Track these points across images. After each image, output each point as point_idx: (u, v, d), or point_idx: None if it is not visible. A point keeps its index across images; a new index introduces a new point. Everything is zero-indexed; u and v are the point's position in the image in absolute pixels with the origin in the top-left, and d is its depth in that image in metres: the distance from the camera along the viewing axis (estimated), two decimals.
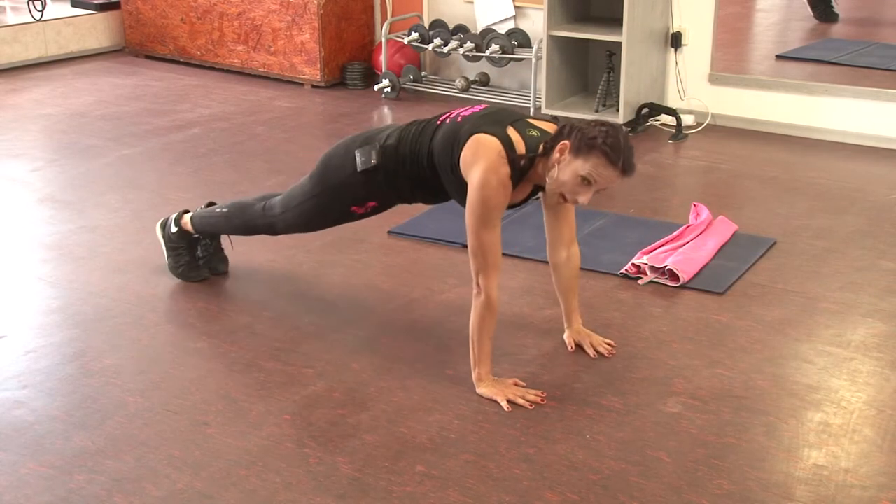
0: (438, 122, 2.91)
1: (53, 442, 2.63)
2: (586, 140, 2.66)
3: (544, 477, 2.49)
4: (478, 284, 2.77)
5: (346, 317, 3.34)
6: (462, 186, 2.80)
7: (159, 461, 2.54)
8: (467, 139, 2.76)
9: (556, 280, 3.09)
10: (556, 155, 2.70)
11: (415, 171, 2.95)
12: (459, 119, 2.86)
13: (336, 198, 3.13)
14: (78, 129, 5.50)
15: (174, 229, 3.54)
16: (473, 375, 2.86)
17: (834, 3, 8.18)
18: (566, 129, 2.73)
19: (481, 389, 2.84)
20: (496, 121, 2.80)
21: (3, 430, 2.68)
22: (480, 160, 2.71)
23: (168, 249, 3.57)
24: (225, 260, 3.65)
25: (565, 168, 2.69)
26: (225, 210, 3.44)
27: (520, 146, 2.75)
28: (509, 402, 2.78)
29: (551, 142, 2.74)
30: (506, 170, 2.71)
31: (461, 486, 2.45)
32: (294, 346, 3.14)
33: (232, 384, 2.92)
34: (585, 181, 2.69)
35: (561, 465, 2.54)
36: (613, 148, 2.65)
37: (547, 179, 2.75)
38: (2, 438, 2.64)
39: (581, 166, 2.67)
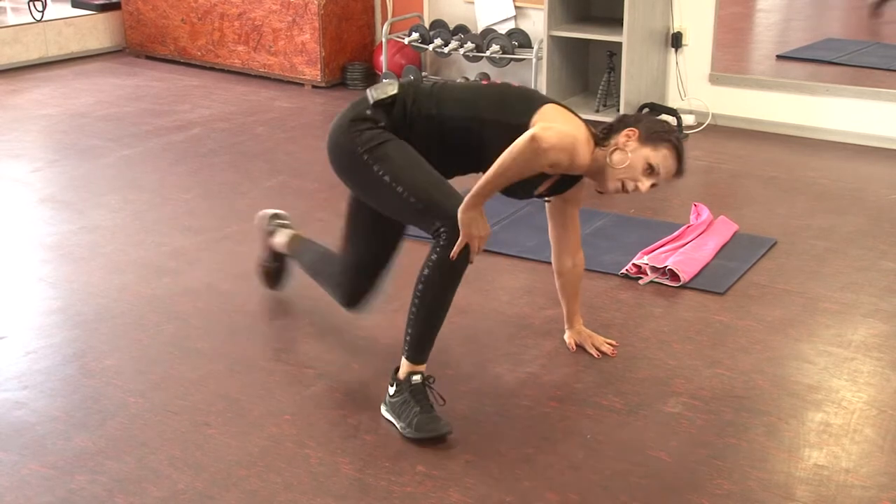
0: (483, 83, 2.85)
1: (54, 442, 2.63)
2: (657, 130, 2.71)
3: (545, 477, 2.49)
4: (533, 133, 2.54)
5: (346, 317, 3.34)
6: (509, 138, 2.59)
7: (160, 462, 2.54)
8: (545, 104, 2.68)
9: (560, 285, 3.09)
10: (621, 139, 2.69)
11: (444, 119, 2.71)
12: (515, 83, 2.84)
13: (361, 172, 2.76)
14: (78, 130, 5.50)
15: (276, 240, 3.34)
16: (467, 197, 2.57)
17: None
18: (629, 118, 2.76)
19: (467, 214, 2.55)
20: (566, 107, 2.78)
21: (4, 430, 2.68)
22: (572, 126, 2.66)
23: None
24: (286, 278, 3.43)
25: (633, 153, 2.68)
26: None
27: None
28: (473, 246, 2.57)
29: (609, 129, 2.73)
30: (588, 151, 2.67)
31: (462, 487, 2.45)
32: (294, 347, 3.14)
33: (232, 385, 2.92)
34: (651, 169, 2.70)
35: (562, 465, 2.54)
36: (680, 143, 2.73)
37: (608, 162, 2.69)
38: (3, 439, 2.64)
39: (651, 154, 2.69)
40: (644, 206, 4.34)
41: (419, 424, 2.61)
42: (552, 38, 5.42)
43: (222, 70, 6.83)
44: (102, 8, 7.29)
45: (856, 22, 8.35)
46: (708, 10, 5.45)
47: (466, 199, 2.57)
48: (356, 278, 3.02)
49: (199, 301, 3.45)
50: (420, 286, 2.64)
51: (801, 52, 7.15)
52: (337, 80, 6.47)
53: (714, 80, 5.56)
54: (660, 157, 2.69)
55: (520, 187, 2.71)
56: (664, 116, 5.47)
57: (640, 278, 3.60)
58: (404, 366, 2.70)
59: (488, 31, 5.97)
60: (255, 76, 6.68)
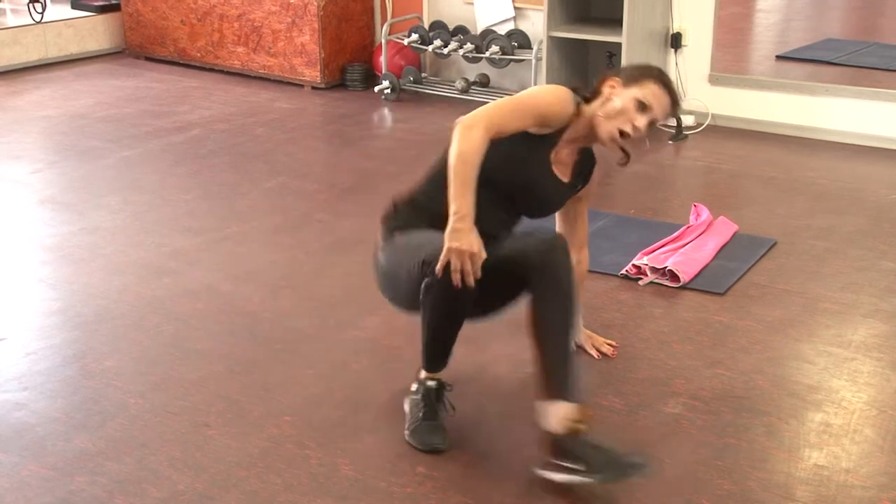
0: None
1: (54, 444, 2.63)
2: (637, 70, 2.73)
3: (546, 478, 2.48)
4: (463, 119, 2.52)
5: (346, 318, 3.34)
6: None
7: (160, 462, 2.54)
8: None
9: None
10: (606, 90, 2.70)
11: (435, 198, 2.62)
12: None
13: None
14: (78, 131, 5.50)
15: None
16: (454, 211, 2.45)
17: None
18: (608, 71, 2.78)
19: (464, 226, 2.40)
20: None
21: (4, 432, 2.68)
22: (550, 87, 2.74)
23: None
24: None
25: (620, 97, 2.68)
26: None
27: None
28: (453, 272, 2.38)
29: (593, 93, 2.74)
30: (568, 102, 2.68)
31: (462, 488, 2.45)
32: (294, 347, 3.14)
33: (232, 385, 2.92)
34: (642, 105, 2.68)
35: None
36: (664, 75, 2.74)
37: (600, 117, 2.69)
38: (2, 440, 2.64)
39: (637, 92, 2.68)
40: (644, 207, 4.34)
41: (415, 433, 2.61)
42: (552, 39, 5.43)
43: (222, 71, 6.83)
44: (102, 9, 7.29)
45: (855, 22, 8.35)
46: (707, 10, 5.45)
47: (452, 206, 2.47)
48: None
49: (199, 302, 3.45)
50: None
51: (800, 53, 7.16)
52: (336, 81, 6.47)
53: (714, 80, 5.56)
54: (647, 91, 2.69)
55: (552, 188, 2.76)
56: None
57: (640, 279, 3.60)
58: (420, 371, 2.71)
59: (488, 32, 5.97)
60: (255, 77, 6.68)
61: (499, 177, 2.64)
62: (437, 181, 2.62)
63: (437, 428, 2.61)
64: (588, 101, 2.75)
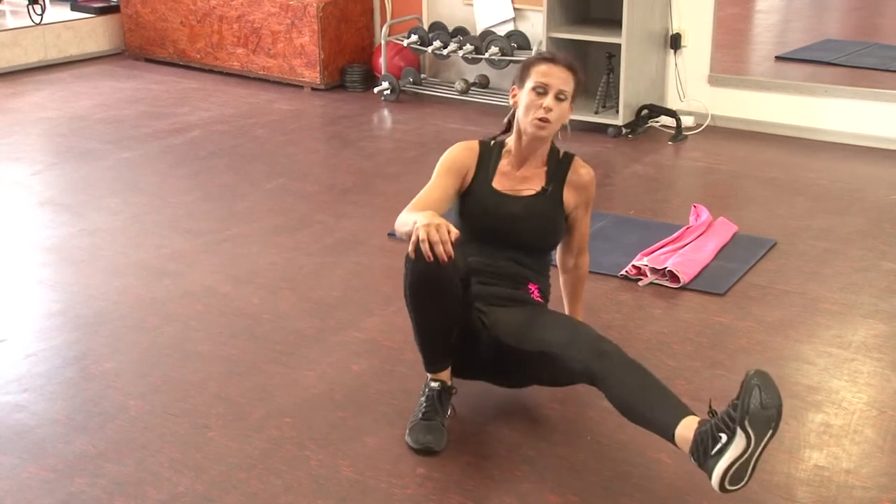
0: None
1: (54, 445, 2.63)
2: (522, 66, 2.83)
3: (545, 479, 2.49)
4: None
5: (346, 319, 3.34)
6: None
7: (160, 464, 2.54)
8: None
9: (563, 282, 3.09)
10: (511, 102, 2.84)
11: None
12: None
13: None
14: (78, 133, 5.50)
15: None
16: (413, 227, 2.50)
17: None
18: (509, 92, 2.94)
19: (422, 218, 2.47)
20: None
21: (4, 433, 2.68)
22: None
23: None
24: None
25: (521, 97, 2.78)
26: None
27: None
28: (423, 240, 2.42)
29: (508, 117, 2.92)
30: (471, 143, 2.86)
31: (462, 488, 2.45)
32: (294, 349, 3.14)
33: (232, 387, 2.92)
34: (539, 89, 2.74)
35: (562, 466, 2.54)
36: (545, 54, 2.84)
37: (519, 123, 2.80)
38: (3, 442, 2.64)
39: (529, 82, 2.77)
40: (644, 208, 4.35)
41: (412, 431, 2.61)
42: (551, 40, 5.42)
43: (221, 72, 6.83)
44: (101, 11, 7.29)
45: (855, 23, 8.35)
46: (707, 11, 5.45)
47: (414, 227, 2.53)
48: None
49: (199, 304, 3.45)
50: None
51: (799, 53, 7.16)
52: (336, 82, 6.47)
53: (713, 81, 5.56)
54: (535, 75, 2.76)
55: (519, 206, 2.82)
56: (662, 118, 5.49)
57: (640, 280, 3.60)
58: (426, 371, 2.72)
59: (487, 33, 5.97)
60: (255, 78, 6.68)
61: (474, 226, 2.81)
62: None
63: (433, 428, 2.61)
64: (510, 124, 2.90)
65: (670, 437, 2.36)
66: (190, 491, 2.44)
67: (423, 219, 2.46)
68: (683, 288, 3.54)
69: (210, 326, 3.29)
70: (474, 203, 2.83)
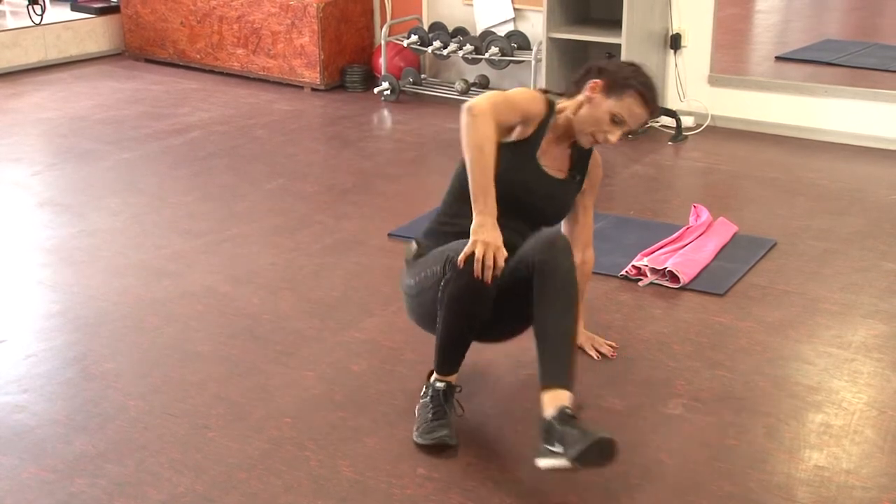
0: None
1: (54, 446, 2.63)
2: (620, 79, 2.69)
3: (546, 479, 2.48)
4: (466, 108, 2.56)
5: (346, 319, 3.34)
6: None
7: (160, 465, 2.54)
8: None
9: None
10: (586, 94, 2.71)
11: (455, 218, 2.72)
12: None
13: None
14: (78, 133, 5.50)
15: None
16: (476, 206, 2.51)
17: None
18: (592, 69, 2.75)
19: (486, 221, 2.47)
20: None
21: (4, 434, 2.68)
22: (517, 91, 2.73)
23: None
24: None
25: (598, 107, 2.70)
26: None
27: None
28: (476, 261, 2.42)
29: (577, 82, 2.75)
30: (541, 102, 2.72)
31: (462, 489, 2.45)
32: (294, 349, 3.14)
33: (233, 387, 2.92)
34: (617, 120, 2.70)
35: None
36: (647, 87, 2.70)
37: (574, 120, 2.73)
38: (3, 443, 2.64)
39: (614, 105, 2.69)
40: (643, 208, 4.34)
41: (424, 430, 2.60)
42: (551, 40, 5.43)
43: (221, 73, 6.83)
44: (101, 11, 7.29)
45: (855, 23, 8.35)
46: (707, 11, 5.45)
47: (474, 202, 2.52)
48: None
49: (199, 304, 3.45)
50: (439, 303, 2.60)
51: (799, 54, 7.16)
52: (336, 82, 6.47)
53: (713, 81, 5.56)
54: (624, 106, 2.69)
55: (549, 186, 2.77)
56: (662, 118, 5.49)
57: (640, 280, 3.60)
58: (435, 372, 2.69)
59: (487, 33, 5.97)
60: (254, 79, 6.68)
61: (497, 187, 2.60)
62: (458, 194, 2.70)
63: (446, 425, 2.60)
64: (567, 96, 2.78)
65: (539, 384, 2.45)
66: (190, 491, 2.44)
67: (482, 232, 2.44)
68: (683, 288, 3.54)
69: (210, 327, 3.29)
70: (516, 171, 2.70)
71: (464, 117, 2.55)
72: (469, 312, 2.55)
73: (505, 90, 2.77)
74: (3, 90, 6.42)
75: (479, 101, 2.58)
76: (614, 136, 2.71)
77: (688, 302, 3.46)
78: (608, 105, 2.69)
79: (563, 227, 3.01)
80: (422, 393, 2.71)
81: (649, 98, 2.71)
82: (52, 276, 3.69)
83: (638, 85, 2.69)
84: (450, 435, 2.59)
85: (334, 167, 5.05)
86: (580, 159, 2.86)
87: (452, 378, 2.67)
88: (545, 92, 2.82)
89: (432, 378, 2.69)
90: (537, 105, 2.73)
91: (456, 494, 2.43)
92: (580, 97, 2.74)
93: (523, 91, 2.77)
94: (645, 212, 4.30)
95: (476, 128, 2.53)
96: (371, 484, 2.47)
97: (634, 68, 2.76)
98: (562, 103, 2.79)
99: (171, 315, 3.37)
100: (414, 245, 2.78)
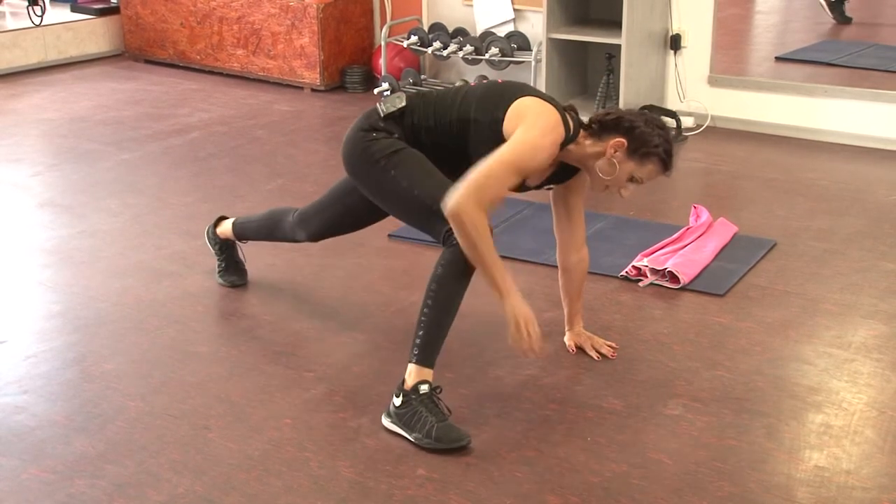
0: (472, 83, 2.87)
1: (54, 447, 2.63)
2: (645, 145, 2.70)
3: (545, 479, 2.49)
4: (450, 209, 2.56)
5: (346, 320, 3.34)
6: (493, 141, 2.68)
7: (160, 465, 2.54)
8: (518, 99, 2.71)
9: (564, 282, 3.09)
10: (609, 149, 2.71)
11: (440, 124, 2.79)
12: (500, 81, 2.87)
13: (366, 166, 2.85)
14: (78, 134, 5.50)
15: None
16: (495, 297, 2.64)
17: (845, 7, 8.23)
18: (622, 123, 2.73)
19: (512, 301, 2.61)
20: (539, 93, 2.80)
21: (4, 435, 2.68)
22: (541, 118, 2.67)
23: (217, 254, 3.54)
24: (244, 272, 3.59)
25: (619, 165, 2.72)
26: (263, 219, 3.39)
27: (568, 117, 2.76)
28: (521, 335, 2.60)
29: (601, 130, 2.74)
30: (561, 131, 2.69)
31: (462, 490, 2.45)
32: (294, 350, 3.14)
33: (233, 388, 2.92)
34: (635, 180, 2.75)
35: (562, 467, 2.54)
36: (669, 155, 2.74)
37: (591, 166, 2.76)
38: (2, 443, 2.64)
39: (636, 169, 2.73)
40: (643, 208, 4.34)
41: (440, 435, 2.59)
42: (551, 41, 5.43)
43: (221, 74, 6.83)
44: (101, 12, 7.29)
45: (854, 23, 8.35)
46: (707, 11, 5.45)
47: (496, 293, 2.64)
48: (305, 238, 3.27)
49: (199, 305, 3.45)
50: (433, 285, 2.65)
51: (799, 54, 7.16)
52: (336, 83, 6.47)
53: (713, 81, 5.56)
54: (644, 171, 2.74)
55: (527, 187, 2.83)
56: (663, 118, 5.48)
57: (640, 280, 3.60)
58: (412, 373, 2.67)
59: (487, 34, 5.97)
60: (254, 80, 6.68)
61: (469, 151, 2.76)
62: (439, 98, 2.83)
63: (455, 426, 2.62)
64: (594, 132, 2.75)
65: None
66: (190, 492, 2.44)
67: (518, 310, 2.61)
68: (683, 289, 3.54)
69: (210, 327, 3.29)
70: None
71: (452, 217, 2.56)
72: (460, 299, 2.71)
73: (542, 116, 2.68)
74: (3, 91, 6.42)
75: (461, 198, 2.54)
76: (627, 192, 2.79)
77: (688, 302, 3.46)
78: (629, 167, 2.73)
79: (556, 227, 3.02)
80: (399, 403, 2.65)
81: (670, 164, 2.75)
82: (52, 276, 3.69)
83: (662, 154, 2.72)
84: (465, 432, 2.61)
85: (334, 168, 5.05)
86: (562, 174, 2.88)
87: (432, 374, 2.68)
88: (568, 111, 2.76)
89: (413, 383, 2.65)
90: (550, 157, 2.69)
91: (456, 495, 2.43)
92: (601, 148, 2.73)
93: (542, 125, 2.66)
94: (645, 212, 4.30)
95: (463, 234, 2.56)
96: (371, 485, 2.47)
97: (662, 133, 2.74)
98: (581, 141, 2.76)
99: (172, 316, 3.37)
100: (401, 103, 2.83)
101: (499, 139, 2.68)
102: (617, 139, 2.71)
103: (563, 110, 2.74)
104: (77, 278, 3.67)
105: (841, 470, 2.53)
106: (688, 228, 3.96)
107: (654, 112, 5.43)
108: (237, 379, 2.97)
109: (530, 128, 2.64)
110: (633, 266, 3.65)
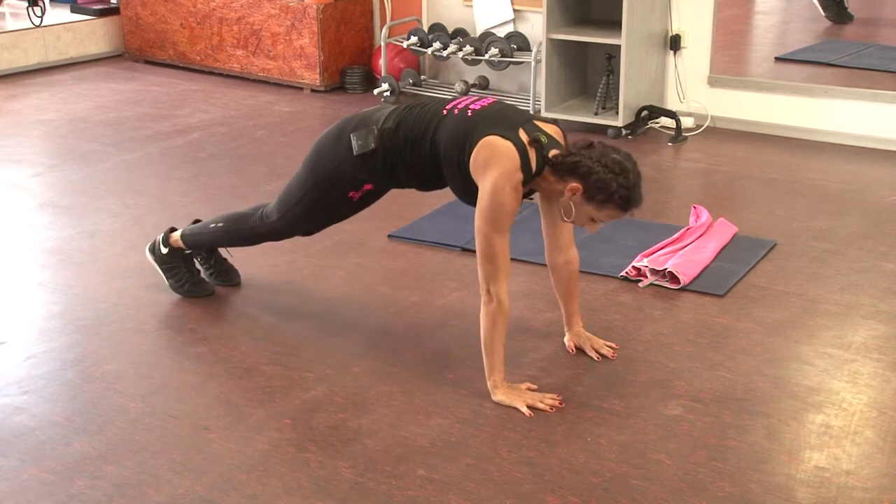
0: (444, 112, 2.87)
1: (54, 447, 2.63)
2: (602, 192, 2.71)
3: (545, 480, 2.49)
4: (487, 291, 2.76)
5: (346, 321, 3.34)
6: (466, 185, 2.81)
7: (160, 466, 2.54)
8: (480, 140, 2.73)
9: (555, 283, 3.09)
10: (567, 193, 2.74)
11: (415, 159, 2.90)
12: (469, 113, 2.82)
13: (332, 184, 3.07)
14: (78, 135, 5.50)
15: (164, 250, 3.48)
16: (489, 384, 2.83)
17: (847, 4, 8.21)
18: (580, 169, 2.72)
19: (498, 397, 2.81)
20: (508, 123, 2.77)
21: (4, 435, 2.68)
22: (496, 165, 2.70)
23: (164, 271, 3.49)
24: (234, 270, 3.59)
25: (578, 208, 2.77)
26: (220, 225, 3.37)
27: (531, 153, 2.75)
28: (529, 407, 2.77)
29: (561, 171, 2.75)
30: (519, 176, 2.72)
31: (462, 490, 2.45)
32: (294, 351, 3.14)
33: (232, 389, 2.92)
34: (596, 220, 2.80)
35: (562, 467, 2.54)
36: (626, 199, 2.74)
37: (559, 203, 2.81)
38: (3, 444, 2.64)
39: (594, 212, 2.77)
40: (643, 209, 4.32)
41: (189, 290, 3.43)
42: (551, 41, 5.43)
43: (221, 74, 6.83)
44: (101, 13, 7.29)
45: (854, 23, 8.35)
46: (706, 12, 5.45)
47: (489, 385, 2.83)
48: (282, 235, 3.36)
49: (199, 305, 3.45)
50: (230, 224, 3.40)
51: (799, 54, 7.15)
52: (336, 83, 6.47)
53: (713, 82, 5.56)
54: (603, 215, 2.78)
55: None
56: (662, 119, 5.49)
57: (640, 281, 3.60)
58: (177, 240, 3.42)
59: (487, 35, 5.97)
60: (254, 80, 6.68)
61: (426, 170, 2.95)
62: (414, 130, 2.92)
63: (202, 280, 3.47)
64: (557, 165, 2.76)
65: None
66: (190, 493, 2.44)
67: (515, 398, 2.80)
68: (683, 289, 3.54)
69: (210, 328, 3.29)
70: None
71: (494, 312, 2.77)
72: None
73: (500, 162, 2.71)
74: (2, 92, 6.42)
75: (502, 293, 2.77)
76: (593, 229, 2.85)
77: (688, 303, 3.46)
78: (588, 210, 2.77)
79: (544, 229, 3.03)
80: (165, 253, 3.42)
81: (626, 208, 2.75)
82: (52, 277, 3.69)
83: (618, 200, 2.73)
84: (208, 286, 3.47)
85: None
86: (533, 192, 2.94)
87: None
88: (532, 144, 2.75)
89: (169, 245, 3.44)
90: (518, 198, 2.76)
91: (456, 496, 2.43)
92: (562, 187, 2.76)
93: (508, 194, 2.71)
94: (645, 213, 4.28)
95: (502, 327, 2.80)
96: (371, 485, 2.47)
97: (620, 178, 2.71)
98: (546, 176, 2.79)
99: (172, 316, 3.37)
100: (371, 144, 2.96)
101: (468, 181, 2.79)
102: (573, 184, 2.73)
103: (529, 144, 2.74)
104: (77, 279, 3.67)
105: (841, 470, 2.53)
106: (688, 229, 3.96)
107: (654, 112, 5.44)
108: (237, 379, 2.97)
109: (490, 187, 2.71)
110: (633, 266, 3.65)
